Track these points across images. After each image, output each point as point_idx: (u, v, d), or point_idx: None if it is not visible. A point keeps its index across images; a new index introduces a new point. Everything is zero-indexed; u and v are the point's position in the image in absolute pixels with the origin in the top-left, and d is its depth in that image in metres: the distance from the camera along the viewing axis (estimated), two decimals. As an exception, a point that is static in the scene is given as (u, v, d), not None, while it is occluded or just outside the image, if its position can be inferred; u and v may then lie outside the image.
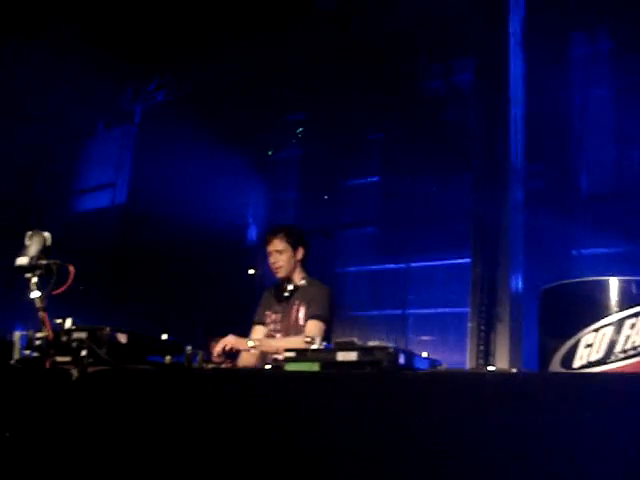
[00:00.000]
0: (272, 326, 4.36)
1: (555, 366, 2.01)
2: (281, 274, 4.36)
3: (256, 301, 4.68)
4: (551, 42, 7.68)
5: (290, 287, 4.33)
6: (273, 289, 4.45)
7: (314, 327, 4.09)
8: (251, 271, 10.17)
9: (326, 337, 4.06)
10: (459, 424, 1.78)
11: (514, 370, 2.30)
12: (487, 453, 1.70)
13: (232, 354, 3.60)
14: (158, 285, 9.94)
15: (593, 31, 7.83)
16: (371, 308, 9.26)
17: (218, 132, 9.64)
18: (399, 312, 8.99)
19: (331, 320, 4.25)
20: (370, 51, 8.47)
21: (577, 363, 1.96)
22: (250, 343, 3.77)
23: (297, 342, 3.97)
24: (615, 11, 7.32)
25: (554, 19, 7.54)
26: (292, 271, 4.37)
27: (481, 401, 1.78)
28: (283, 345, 3.93)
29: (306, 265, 4.42)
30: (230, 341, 3.55)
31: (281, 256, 4.33)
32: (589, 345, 1.94)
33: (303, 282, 4.34)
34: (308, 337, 2.68)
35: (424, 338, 8.81)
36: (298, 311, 4.27)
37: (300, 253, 4.37)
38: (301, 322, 4.24)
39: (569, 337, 1.98)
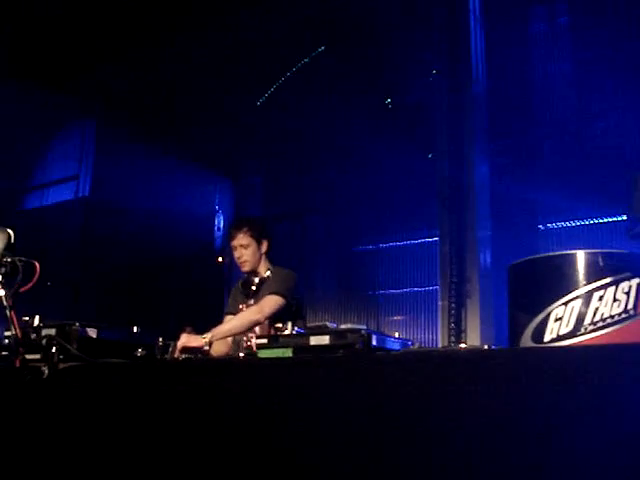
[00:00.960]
0: (239, 308, 4.34)
1: (526, 341, 2.02)
2: (246, 268, 4.31)
3: (226, 288, 4.64)
4: (511, 18, 7.71)
5: (257, 280, 4.29)
6: (241, 284, 4.40)
7: (268, 300, 4.04)
8: (220, 259, 10.13)
9: (285, 315, 4.02)
10: (430, 402, 1.78)
11: (485, 346, 2.31)
12: (462, 430, 1.71)
13: (195, 350, 3.53)
14: (125, 277, 9.85)
15: (552, 6, 7.88)
16: (342, 290, 9.28)
17: (180, 122, 9.57)
18: (370, 293, 9.03)
19: (296, 302, 4.20)
20: (331, 31, 8.45)
21: (547, 337, 1.97)
22: (204, 339, 3.70)
23: (245, 316, 3.96)
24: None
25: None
26: (257, 264, 4.32)
27: (453, 378, 1.79)
28: (234, 325, 3.91)
29: (271, 256, 4.40)
30: (183, 342, 3.48)
31: (246, 250, 4.26)
32: (559, 319, 1.96)
33: (268, 273, 4.31)
34: (279, 324, 2.66)
35: (396, 318, 8.85)
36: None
37: (264, 246, 4.32)
38: None
39: (539, 312, 1.99)
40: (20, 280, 2.78)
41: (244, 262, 4.29)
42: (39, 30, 8.78)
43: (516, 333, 2.07)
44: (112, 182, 10.55)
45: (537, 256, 2.14)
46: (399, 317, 8.84)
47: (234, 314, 4.37)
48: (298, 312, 4.22)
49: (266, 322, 4.03)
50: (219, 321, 4.41)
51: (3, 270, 2.79)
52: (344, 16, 8.37)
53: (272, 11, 8.53)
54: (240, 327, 3.93)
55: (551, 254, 2.10)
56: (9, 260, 2.80)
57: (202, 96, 9.40)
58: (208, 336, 3.65)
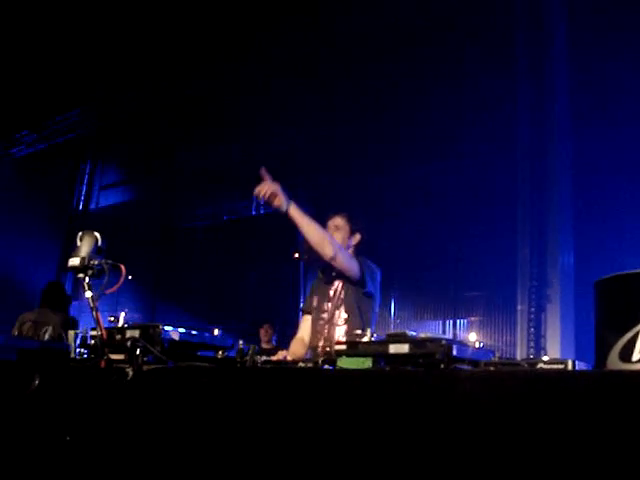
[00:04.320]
0: (315, 303, 4.38)
1: (613, 359, 1.96)
2: None
3: (301, 287, 4.71)
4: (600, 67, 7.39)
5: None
6: (322, 270, 4.44)
7: (347, 255, 4.18)
8: (296, 255, 10.14)
9: (358, 302, 4.15)
10: (514, 426, 1.75)
11: (569, 364, 2.25)
12: (540, 456, 1.68)
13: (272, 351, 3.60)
14: (202, 273, 9.99)
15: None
16: (420, 288, 9.19)
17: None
18: (448, 293, 8.91)
19: (375, 293, 4.25)
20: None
21: (636, 356, 1.91)
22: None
23: (326, 236, 4.07)
24: None
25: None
26: None
27: (532, 402, 1.74)
28: (313, 229, 4.00)
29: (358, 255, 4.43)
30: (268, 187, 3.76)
31: (337, 232, 4.35)
32: (648, 338, 1.90)
33: None
34: (358, 330, 2.66)
35: (472, 319, 8.73)
36: (339, 284, 4.30)
37: (356, 238, 4.40)
38: (340, 293, 4.25)
39: (628, 329, 1.93)
40: (106, 282, 2.87)
41: None
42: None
43: (603, 351, 2.01)
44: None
45: (626, 272, 2.07)
46: (475, 318, 8.71)
47: (309, 313, 4.42)
48: (370, 306, 4.24)
49: (335, 252, 4.06)
50: (295, 320, 4.45)
51: (90, 272, 2.88)
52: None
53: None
54: (314, 235, 4.00)
55: (640, 270, 2.03)
56: (96, 263, 2.89)
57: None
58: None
